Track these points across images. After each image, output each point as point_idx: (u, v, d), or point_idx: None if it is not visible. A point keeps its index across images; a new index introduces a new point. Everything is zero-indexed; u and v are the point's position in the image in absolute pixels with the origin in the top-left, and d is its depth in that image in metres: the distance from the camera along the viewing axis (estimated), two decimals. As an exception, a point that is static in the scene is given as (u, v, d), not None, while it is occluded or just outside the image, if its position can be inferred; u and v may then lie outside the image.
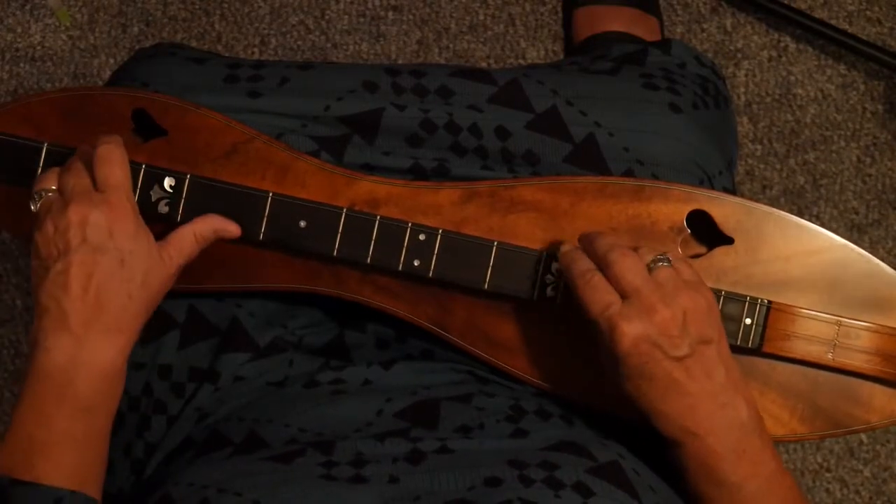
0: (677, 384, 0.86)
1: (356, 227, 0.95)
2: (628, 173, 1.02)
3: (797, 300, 0.95)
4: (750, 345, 0.94)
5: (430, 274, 0.95)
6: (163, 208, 0.96)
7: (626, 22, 1.50)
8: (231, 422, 0.96)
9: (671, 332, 0.85)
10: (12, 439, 0.86)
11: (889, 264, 0.96)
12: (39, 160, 0.97)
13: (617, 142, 1.03)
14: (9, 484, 0.83)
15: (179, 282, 0.97)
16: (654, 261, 0.88)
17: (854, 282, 0.95)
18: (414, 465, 0.85)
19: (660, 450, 0.90)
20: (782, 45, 1.58)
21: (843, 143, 1.57)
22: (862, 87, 1.58)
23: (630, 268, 0.86)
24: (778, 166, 1.57)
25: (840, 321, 0.94)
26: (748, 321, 0.93)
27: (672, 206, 0.96)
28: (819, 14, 1.58)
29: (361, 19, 1.59)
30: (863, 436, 1.54)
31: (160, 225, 0.94)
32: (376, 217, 0.95)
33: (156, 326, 1.01)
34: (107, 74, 1.59)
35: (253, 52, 1.59)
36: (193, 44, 1.58)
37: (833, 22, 1.57)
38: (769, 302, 0.94)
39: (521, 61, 1.58)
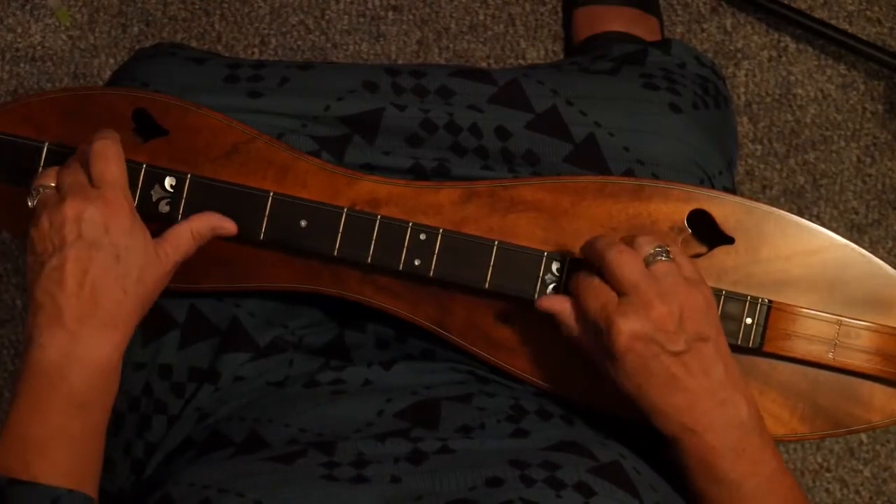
0: (675, 380, 0.86)
1: (357, 227, 0.95)
2: (628, 173, 1.02)
3: (798, 300, 0.95)
4: (751, 344, 0.94)
5: (431, 273, 0.95)
6: (163, 208, 0.96)
7: (626, 22, 1.50)
8: (231, 422, 0.96)
9: (668, 328, 0.85)
10: (8, 437, 0.85)
11: (889, 264, 0.96)
12: (40, 160, 0.97)
13: (617, 142, 1.03)
14: (6, 483, 0.83)
15: (180, 281, 0.97)
16: (654, 254, 0.87)
17: (854, 281, 0.95)
18: (415, 465, 0.85)
19: (660, 449, 0.90)
20: (782, 45, 1.58)
21: (843, 143, 1.57)
22: (862, 87, 1.58)
23: (627, 263, 0.86)
24: (778, 166, 1.57)
25: (840, 321, 0.94)
26: (749, 321, 0.93)
27: (672, 206, 0.96)
28: (819, 14, 1.58)
29: (361, 19, 1.59)
30: (863, 436, 1.54)
31: (157, 223, 0.94)
32: (377, 217, 0.95)
33: (156, 326, 1.01)
34: (107, 74, 1.59)
35: (253, 52, 1.59)
36: (193, 44, 1.58)
37: (833, 22, 1.57)
38: (770, 301, 0.94)
39: (521, 61, 1.58)
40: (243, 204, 0.96)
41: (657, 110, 1.04)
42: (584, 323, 0.88)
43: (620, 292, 0.86)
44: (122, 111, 0.98)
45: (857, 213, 1.57)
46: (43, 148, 0.97)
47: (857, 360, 0.94)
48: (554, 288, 0.94)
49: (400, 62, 1.58)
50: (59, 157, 0.96)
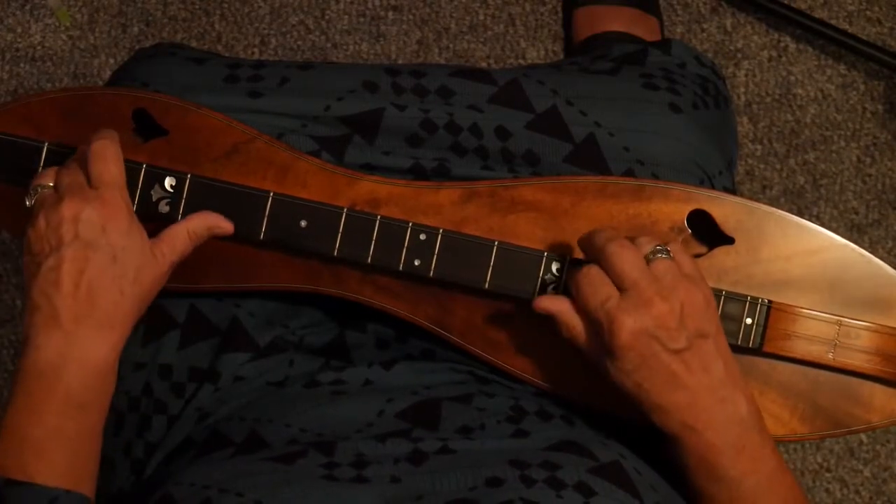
0: (675, 377, 0.86)
1: (357, 227, 0.95)
2: (628, 173, 1.02)
3: (798, 300, 0.95)
4: (751, 344, 0.94)
5: (431, 274, 0.95)
6: (163, 208, 0.96)
7: (626, 22, 1.50)
8: (232, 422, 0.96)
9: (669, 325, 0.85)
10: (5, 438, 0.85)
11: (889, 264, 0.96)
12: (40, 160, 0.97)
13: (617, 142, 1.03)
14: (3, 484, 0.83)
15: (180, 281, 0.97)
16: (654, 252, 0.87)
17: (854, 282, 0.95)
18: (415, 465, 0.85)
19: (660, 449, 0.90)
20: (782, 45, 1.58)
21: (843, 143, 1.57)
22: (862, 87, 1.58)
23: (628, 259, 0.86)
24: (778, 166, 1.57)
25: (840, 321, 0.94)
26: (749, 321, 0.93)
27: (672, 206, 0.96)
28: (819, 14, 1.58)
29: (361, 19, 1.59)
30: (863, 436, 1.54)
31: (157, 223, 0.94)
32: (377, 217, 0.95)
33: (156, 326, 1.01)
34: (107, 74, 1.59)
35: (253, 52, 1.59)
36: (193, 44, 1.58)
37: (833, 22, 1.57)
38: (770, 302, 0.94)
39: (521, 61, 1.58)
40: (243, 204, 0.96)
41: (657, 110, 1.04)
42: (583, 319, 0.88)
43: (620, 288, 0.86)
44: (122, 111, 0.98)
45: (857, 213, 1.57)
46: (43, 148, 0.97)
47: (857, 361, 0.94)
48: (554, 288, 0.94)
49: (400, 62, 1.58)
50: (59, 157, 0.96)
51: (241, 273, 0.99)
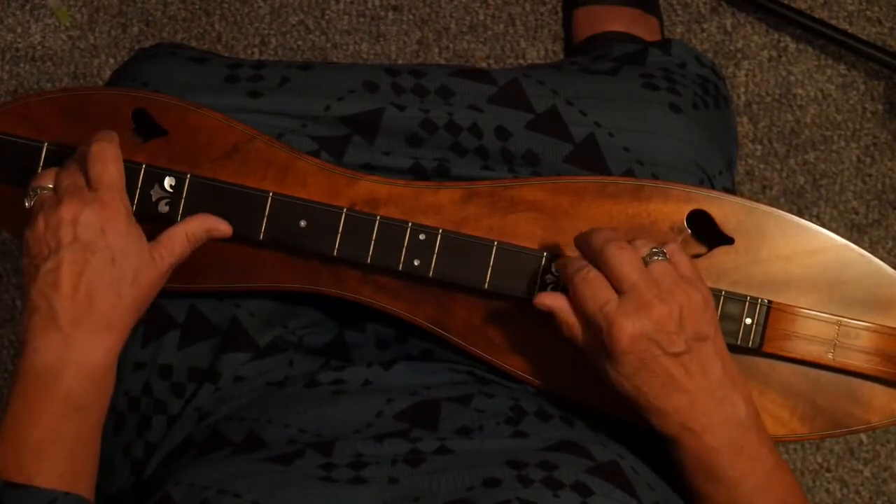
0: (675, 380, 0.86)
1: (356, 227, 0.95)
2: (628, 173, 1.02)
3: (797, 300, 0.95)
4: (750, 344, 0.94)
5: (431, 274, 0.95)
6: (163, 208, 0.96)
7: (626, 22, 1.50)
8: (231, 422, 0.96)
9: (668, 329, 0.85)
10: (3, 440, 0.85)
11: (889, 264, 0.96)
12: (39, 160, 0.97)
13: (617, 142, 1.03)
14: (1, 486, 0.83)
15: (180, 281, 0.97)
16: (651, 254, 0.87)
17: (854, 282, 0.95)
18: (413, 466, 0.85)
19: (659, 449, 0.90)
20: (782, 45, 1.58)
21: (843, 143, 1.57)
22: (862, 87, 1.58)
23: (627, 262, 0.86)
24: (778, 166, 1.57)
25: (840, 321, 0.94)
26: (748, 321, 0.93)
27: (672, 206, 0.96)
28: (819, 14, 1.58)
29: (361, 19, 1.59)
30: (863, 436, 1.54)
31: (153, 224, 0.94)
32: (376, 217, 0.95)
33: (156, 326, 1.01)
34: (107, 74, 1.59)
35: (253, 52, 1.59)
36: (193, 44, 1.58)
37: (833, 22, 1.57)
38: (769, 302, 0.94)
39: (521, 61, 1.58)
40: (243, 204, 0.96)
41: (657, 110, 1.04)
42: (582, 320, 0.88)
43: (619, 291, 0.86)
44: (121, 111, 0.98)
45: (857, 213, 1.57)
46: (42, 148, 0.97)
47: (857, 361, 0.94)
48: (553, 288, 0.94)
49: (400, 62, 1.58)
50: (59, 158, 0.96)
51: (240, 273, 0.99)
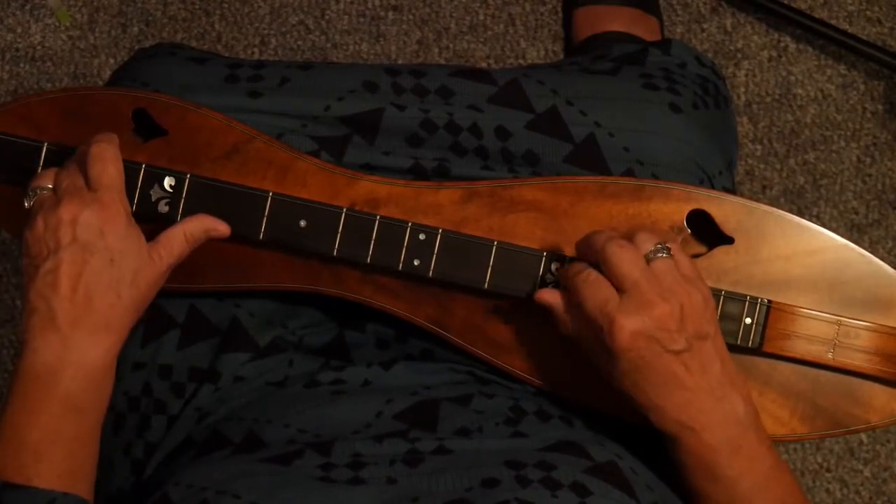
0: (675, 378, 0.86)
1: (356, 227, 0.95)
2: (628, 173, 1.02)
3: (797, 300, 0.95)
4: (750, 344, 0.94)
5: (430, 274, 0.95)
6: (163, 208, 0.96)
7: (626, 22, 1.50)
8: (231, 422, 0.96)
9: (669, 327, 0.85)
10: (2, 441, 0.85)
11: (889, 264, 0.96)
12: (39, 160, 0.97)
13: (617, 142, 1.03)
14: (0, 487, 0.83)
15: (180, 281, 0.97)
16: (654, 251, 0.87)
17: (854, 281, 0.95)
18: (412, 466, 0.85)
19: (659, 449, 0.90)
20: (782, 45, 1.58)
21: (843, 143, 1.57)
22: (862, 87, 1.58)
23: (627, 260, 0.86)
24: (778, 166, 1.57)
25: (840, 321, 0.94)
26: (748, 321, 0.93)
27: (672, 206, 0.96)
28: (819, 14, 1.58)
29: (361, 19, 1.59)
30: (863, 436, 1.54)
31: (151, 224, 0.94)
32: (376, 217, 0.95)
33: (156, 326, 1.01)
34: (107, 74, 1.59)
35: (253, 52, 1.59)
36: (193, 44, 1.58)
37: (833, 22, 1.57)
38: (769, 301, 0.94)
39: (521, 61, 1.58)
40: (243, 204, 0.96)
41: (657, 110, 1.04)
42: (581, 318, 0.88)
43: (620, 289, 0.86)
44: (121, 111, 0.98)
45: (857, 213, 1.57)
46: (42, 148, 0.97)
47: (857, 360, 0.94)
48: (552, 287, 0.94)
49: (400, 62, 1.58)
50: (59, 158, 0.96)
51: (240, 273, 0.99)
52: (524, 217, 0.96)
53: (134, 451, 0.99)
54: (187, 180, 0.95)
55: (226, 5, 1.59)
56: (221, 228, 0.95)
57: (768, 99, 1.57)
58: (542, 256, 0.94)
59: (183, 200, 0.95)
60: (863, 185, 1.57)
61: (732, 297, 0.93)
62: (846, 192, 1.57)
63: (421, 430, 0.90)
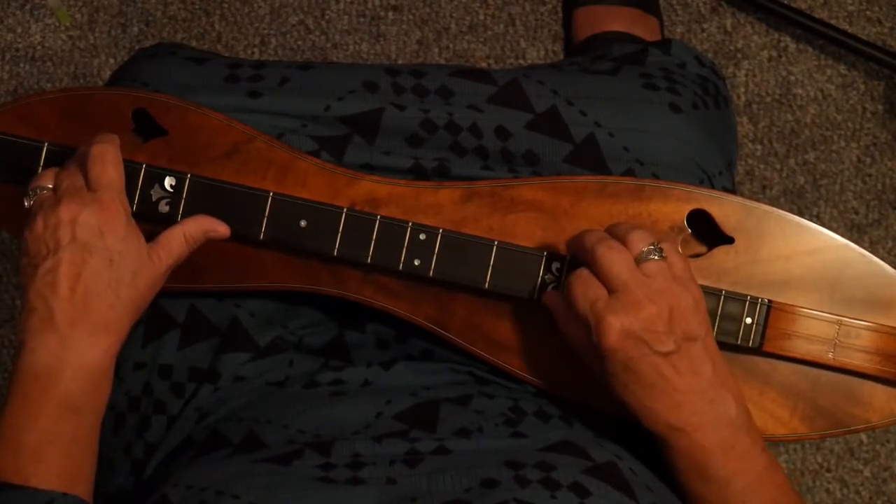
0: (664, 380, 0.86)
1: (356, 227, 0.95)
2: (628, 173, 1.02)
3: (798, 299, 0.95)
4: (750, 344, 0.94)
5: (431, 273, 0.95)
6: (163, 208, 0.96)
7: (626, 22, 1.50)
8: (231, 422, 0.96)
9: (657, 328, 0.85)
10: (0, 441, 0.85)
11: (889, 264, 0.96)
12: (39, 160, 0.97)
13: (617, 142, 1.03)
14: None
15: (180, 281, 0.97)
16: (646, 252, 0.87)
17: (854, 281, 0.95)
18: (411, 466, 0.85)
19: (658, 449, 0.90)
20: (782, 45, 1.58)
21: (843, 143, 1.57)
22: (862, 87, 1.58)
23: (617, 261, 0.86)
24: (778, 166, 1.57)
25: (840, 320, 0.94)
26: (748, 320, 0.93)
27: (672, 206, 0.96)
28: (819, 14, 1.58)
29: (361, 19, 1.59)
30: (863, 436, 1.54)
31: (150, 224, 0.94)
32: (376, 217, 0.95)
33: (156, 326, 1.01)
34: (107, 74, 1.59)
35: (253, 52, 1.59)
36: (193, 44, 1.58)
37: (833, 22, 1.57)
38: (769, 301, 0.94)
39: (521, 61, 1.58)
40: (243, 204, 0.96)
41: (657, 110, 1.04)
42: (573, 317, 0.88)
43: (610, 289, 0.86)
44: (121, 111, 0.98)
45: (857, 213, 1.57)
46: (42, 148, 0.97)
47: (857, 360, 0.94)
48: (553, 288, 0.94)
49: (400, 62, 1.58)
50: (59, 158, 0.96)
51: (241, 273, 0.99)
52: (524, 217, 0.96)
53: (134, 451, 0.99)
54: (188, 180, 0.95)
55: (226, 5, 1.59)
56: (221, 229, 0.95)
57: (768, 99, 1.57)
58: (542, 256, 0.94)
59: (183, 200, 0.95)
60: (863, 185, 1.57)
61: (732, 296, 0.93)
62: (846, 192, 1.57)
63: (420, 431, 0.90)
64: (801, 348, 0.94)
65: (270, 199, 0.95)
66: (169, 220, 0.95)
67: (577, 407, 0.97)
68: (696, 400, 0.86)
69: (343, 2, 1.59)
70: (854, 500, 1.55)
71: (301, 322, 1.04)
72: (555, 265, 0.94)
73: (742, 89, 1.57)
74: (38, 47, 1.60)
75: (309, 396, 0.97)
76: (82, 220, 0.87)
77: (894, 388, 0.96)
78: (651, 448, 0.91)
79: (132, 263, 0.89)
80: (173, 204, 0.96)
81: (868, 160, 1.57)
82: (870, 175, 1.57)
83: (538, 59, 1.58)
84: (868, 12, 1.59)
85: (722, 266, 0.95)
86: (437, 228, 0.95)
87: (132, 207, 0.94)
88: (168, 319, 1.01)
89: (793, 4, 1.56)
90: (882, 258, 0.97)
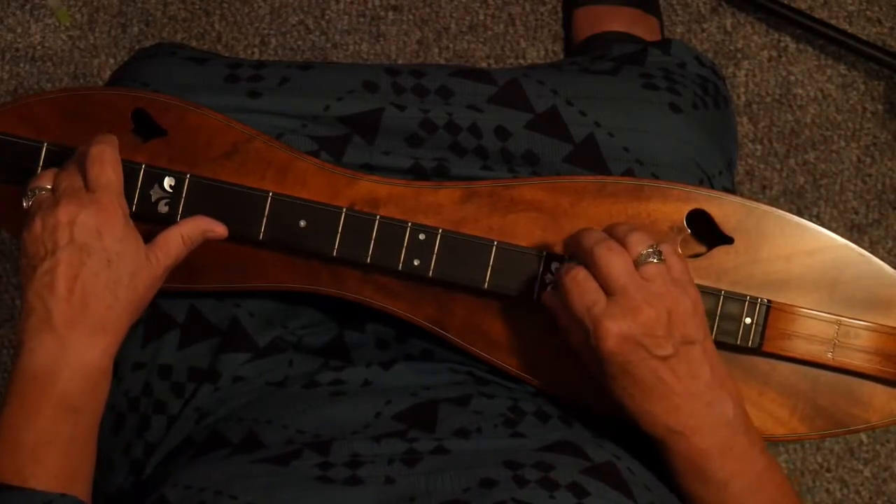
0: (662, 383, 0.86)
1: (356, 227, 0.95)
2: (628, 173, 1.02)
3: (797, 300, 0.95)
4: (750, 344, 0.94)
5: (430, 273, 0.95)
6: (163, 208, 0.96)
7: (626, 22, 1.50)
8: (231, 422, 0.96)
9: (656, 333, 0.85)
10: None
11: (889, 264, 0.96)
12: (39, 160, 0.97)
13: (617, 142, 1.03)
14: None
15: (180, 281, 0.97)
16: (645, 255, 0.87)
17: (854, 281, 0.95)
18: (410, 466, 0.85)
19: (656, 450, 0.90)
20: (782, 45, 1.58)
21: (843, 143, 1.57)
22: (862, 87, 1.58)
23: (616, 265, 0.86)
24: (778, 166, 1.57)
25: (840, 321, 0.94)
26: (748, 320, 0.93)
27: (672, 206, 0.96)
28: (819, 14, 1.58)
29: (361, 19, 1.59)
30: (863, 436, 1.54)
31: (149, 225, 0.94)
32: (376, 217, 0.95)
33: (156, 326, 1.01)
34: (107, 74, 1.59)
35: (253, 52, 1.59)
36: (193, 44, 1.58)
37: (833, 22, 1.57)
38: (769, 301, 0.94)
39: (521, 61, 1.58)
40: (242, 204, 0.96)
41: (657, 110, 1.04)
42: (570, 319, 0.88)
43: (608, 292, 0.86)
44: (121, 111, 0.98)
45: (857, 213, 1.57)
46: (42, 148, 0.97)
47: (857, 360, 0.94)
48: (553, 288, 0.94)
49: (400, 62, 1.58)
50: (59, 158, 0.96)
51: (240, 273, 0.99)
52: (524, 217, 0.96)
53: (134, 451, 0.99)
54: (187, 180, 0.95)
55: (226, 5, 1.59)
56: (219, 230, 0.95)
57: (768, 99, 1.57)
58: (542, 256, 0.94)
59: (183, 200, 0.95)
60: (863, 185, 1.57)
61: (732, 297, 0.93)
62: (846, 192, 1.57)
63: (419, 431, 0.90)
64: (800, 348, 0.94)
65: (270, 199, 0.95)
66: (168, 221, 0.95)
67: (576, 407, 0.97)
68: (695, 403, 0.86)
69: (343, 2, 1.59)
70: (854, 500, 1.55)
71: (301, 322, 1.04)
72: (554, 265, 0.94)
73: (742, 89, 1.57)
74: (38, 47, 1.60)
75: (309, 396, 0.97)
76: (80, 222, 0.87)
77: (894, 388, 0.96)
78: (650, 448, 0.91)
79: (130, 264, 0.89)
80: (173, 204, 0.96)
81: (868, 160, 1.57)
82: (870, 175, 1.57)
83: (538, 59, 1.58)
84: (868, 12, 1.59)
85: (721, 266, 0.95)
86: (437, 228, 0.95)
87: (131, 207, 0.94)
88: (168, 319, 1.01)
89: (793, 4, 1.56)
90: (882, 258, 0.97)
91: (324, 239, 0.96)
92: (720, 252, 0.96)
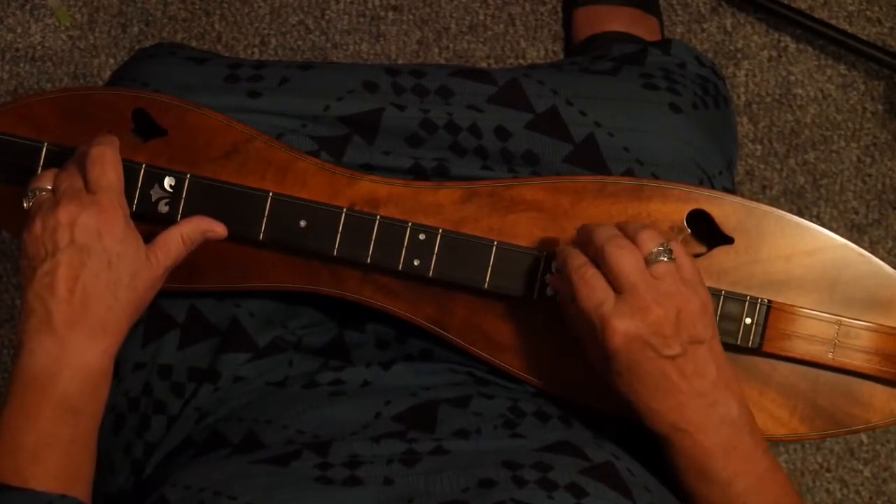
0: (668, 382, 0.86)
1: (356, 227, 0.95)
2: (628, 173, 1.02)
3: (797, 300, 0.95)
4: (750, 344, 0.94)
5: (430, 274, 0.95)
6: (163, 208, 0.96)
7: (626, 22, 1.50)
8: (230, 422, 0.96)
9: (664, 332, 0.85)
10: None
11: (889, 264, 0.96)
12: (39, 160, 0.97)
13: (617, 142, 1.03)
14: None
15: (180, 281, 0.97)
16: (656, 253, 0.87)
17: (854, 281, 0.95)
18: (409, 466, 0.85)
19: (658, 451, 0.90)
20: (782, 45, 1.58)
21: (843, 143, 1.57)
22: (862, 87, 1.58)
23: (627, 262, 0.86)
24: (778, 166, 1.57)
25: (840, 321, 0.94)
26: (748, 321, 0.93)
27: (672, 206, 0.96)
28: (819, 14, 1.58)
29: (361, 19, 1.59)
30: (863, 436, 1.54)
31: (149, 225, 0.94)
32: (376, 217, 0.95)
33: (156, 326, 1.01)
34: (107, 74, 1.59)
35: (253, 52, 1.59)
36: (193, 44, 1.58)
37: (833, 22, 1.57)
38: (769, 301, 0.94)
39: (521, 61, 1.58)
40: (243, 204, 0.96)
41: (657, 110, 1.04)
42: (578, 314, 0.88)
43: (617, 290, 0.86)
44: (121, 111, 0.98)
45: (857, 213, 1.57)
46: (42, 148, 0.97)
47: (857, 360, 0.94)
48: (553, 288, 0.94)
49: (400, 62, 1.58)
50: (59, 158, 0.96)
51: (240, 273, 0.99)
52: (524, 217, 0.96)
53: (134, 451, 0.99)
54: (187, 180, 0.95)
55: (226, 5, 1.59)
56: (219, 230, 0.95)
57: (768, 99, 1.57)
58: (541, 256, 0.94)
59: (183, 200, 0.96)
60: (863, 185, 1.57)
61: (732, 297, 0.93)
62: (846, 192, 1.57)
63: (419, 432, 0.90)
64: (800, 348, 0.94)
65: (270, 199, 0.95)
66: (168, 221, 0.95)
67: (576, 407, 0.97)
68: (700, 402, 0.86)
69: (343, 2, 1.59)
70: (854, 500, 1.55)
71: (301, 322, 1.04)
72: (555, 265, 0.94)
73: (742, 89, 1.57)
74: (38, 47, 1.60)
75: (308, 396, 0.97)
76: (81, 223, 0.87)
77: (894, 388, 0.96)
78: (650, 449, 0.91)
79: (130, 265, 0.89)
80: (173, 204, 0.96)
81: (868, 160, 1.57)
82: (870, 175, 1.57)
83: (538, 59, 1.58)
84: (868, 12, 1.59)
85: (721, 266, 0.95)
86: (437, 228, 0.95)
87: (131, 207, 0.94)
88: (168, 319, 1.01)
89: (793, 4, 1.56)
90: (882, 258, 0.97)
91: (324, 239, 0.96)
92: (720, 252, 0.96)
